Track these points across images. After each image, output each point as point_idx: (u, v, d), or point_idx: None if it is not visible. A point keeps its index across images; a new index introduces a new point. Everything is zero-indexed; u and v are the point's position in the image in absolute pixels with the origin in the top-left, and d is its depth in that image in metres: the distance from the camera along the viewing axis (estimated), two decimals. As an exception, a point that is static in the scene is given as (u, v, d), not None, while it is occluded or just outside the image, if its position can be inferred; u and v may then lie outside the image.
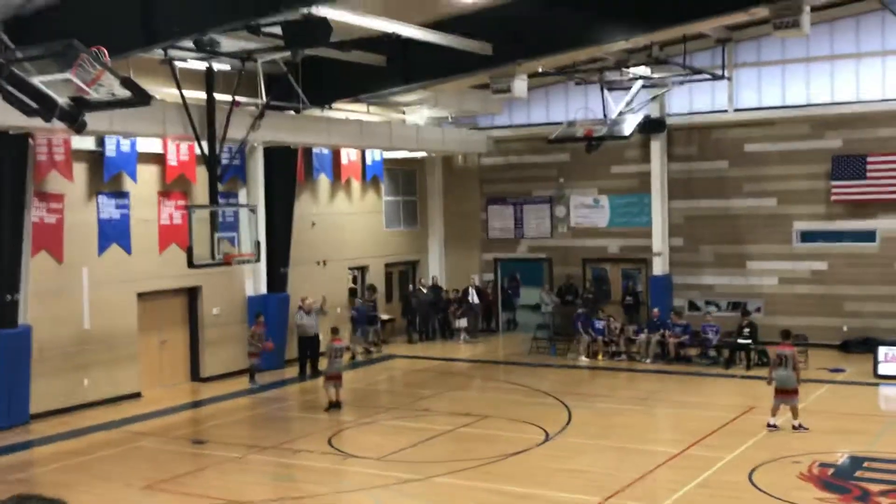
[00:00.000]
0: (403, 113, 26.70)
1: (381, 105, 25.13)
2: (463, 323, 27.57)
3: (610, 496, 12.80)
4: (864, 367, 21.26)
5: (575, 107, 26.05)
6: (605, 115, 22.68)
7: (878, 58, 24.16)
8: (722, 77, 23.50)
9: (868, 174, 24.02)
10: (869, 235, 24.46)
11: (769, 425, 16.19)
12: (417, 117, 26.91)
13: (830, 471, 13.86)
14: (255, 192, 22.82)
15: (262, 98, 19.67)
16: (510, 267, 29.67)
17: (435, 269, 29.73)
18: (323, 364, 20.83)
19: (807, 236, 25.19)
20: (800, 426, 16.14)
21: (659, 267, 26.66)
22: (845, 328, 24.44)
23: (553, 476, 13.92)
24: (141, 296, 20.75)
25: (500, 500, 12.73)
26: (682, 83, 23.83)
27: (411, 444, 15.98)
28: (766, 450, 14.97)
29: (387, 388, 21.81)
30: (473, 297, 28.01)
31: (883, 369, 20.70)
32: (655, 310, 24.63)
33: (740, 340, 22.52)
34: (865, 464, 14.19)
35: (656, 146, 26.54)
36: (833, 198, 24.53)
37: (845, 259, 24.73)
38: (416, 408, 18.93)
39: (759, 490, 12.96)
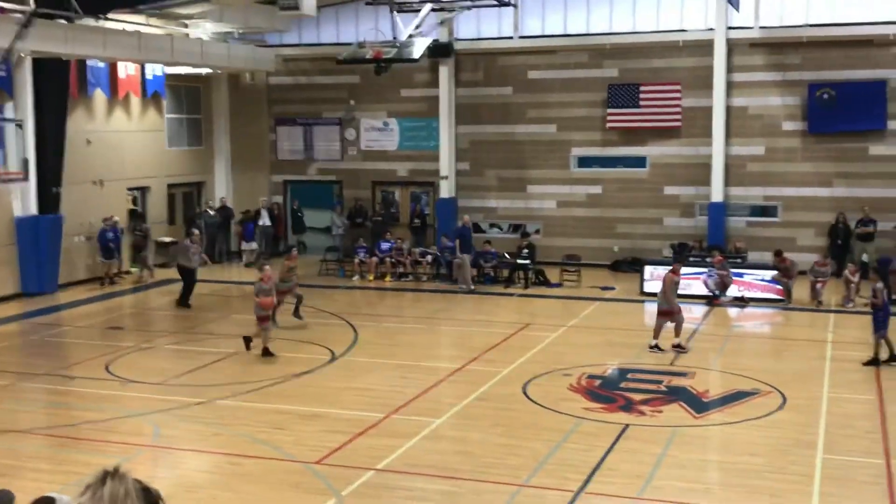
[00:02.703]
0: (186, 26, 25.61)
1: (162, 17, 23.99)
2: (253, 245, 27.15)
3: (393, 412, 13.15)
4: (631, 286, 22.72)
5: (365, 28, 25.87)
6: (394, 38, 22.63)
7: (652, -9, 25.41)
8: (507, 4, 23.94)
9: (641, 103, 25.36)
10: (640, 161, 25.93)
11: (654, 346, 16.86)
12: (201, 32, 25.87)
13: (598, 382, 14.81)
14: (23, 107, 21.29)
15: (29, 4, 18.31)
16: (313, 191, 29.40)
17: (222, 190, 29.00)
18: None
19: (583, 162, 26.40)
20: (678, 346, 16.76)
21: (446, 190, 27.22)
22: (616, 249, 25.97)
23: (338, 394, 14.13)
24: None
25: (283, 420, 12.80)
26: (469, 8, 24.09)
27: (194, 367, 15.75)
28: (540, 363, 15.81)
29: (169, 312, 21.26)
30: (265, 220, 27.58)
31: (648, 287, 22.18)
32: (444, 237, 25.17)
33: (519, 261, 23.49)
34: (630, 375, 15.27)
35: (444, 71, 26.84)
36: (608, 125, 25.77)
37: (618, 184, 26.14)
38: (199, 331, 18.62)
39: (532, 401, 13.70)
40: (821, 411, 13.19)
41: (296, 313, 18.80)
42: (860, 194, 24.04)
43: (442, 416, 13.04)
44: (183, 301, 21.06)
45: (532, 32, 26.49)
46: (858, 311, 20.03)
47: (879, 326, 15.62)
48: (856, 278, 20.82)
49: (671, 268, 17.71)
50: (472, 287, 22.90)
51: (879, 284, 16.06)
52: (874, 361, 15.55)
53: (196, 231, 22.39)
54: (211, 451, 11.84)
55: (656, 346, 16.72)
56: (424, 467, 11.03)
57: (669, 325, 16.93)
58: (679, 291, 21.66)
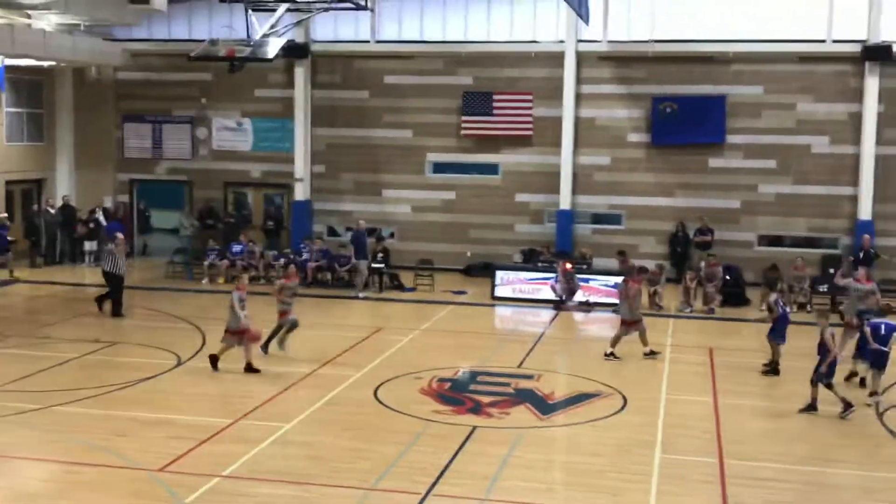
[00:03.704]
0: (29, 17, 24.46)
1: (3, 6, 22.83)
2: (93, 246, 26.13)
3: (241, 417, 12.94)
4: (483, 290, 23.09)
5: (218, 25, 25.45)
6: (248, 37, 22.32)
7: (506, 1, 25.90)
8: (365, 7, 23.94)
9: (494, 111, 25.83)
10: (492, 168, 26.42)
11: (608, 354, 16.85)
12: (45, 23, 24.77)
13: (448, 385, 14.98)
14: None
15: None
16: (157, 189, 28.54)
17: (64, 188, 27.81)
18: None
19: (438, 167, 26.70)
20: (650, 353, 16.85)
21: (301, 193, 27.00)
22: (469, 254, 26.35)
23: (184, 400, 13.80)
24: None
25: (126, 427, 12.40)
26: (326, 10, 23.95)
27: (30, 373, 15.03)
28: (392, 367, 15.86)
29: (3, 315, 20.24)
30: (101, 219, 26.59)
31: (499, 291, 22.62)
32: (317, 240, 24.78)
33: (374, 265, 23.51)
34: (479, 378, 15.51)
35: (300, 72, 26.64)
36: (463, 132, 26.13)
37: (471, 190, 26.54)
38: (36, 335, 17.81)
39: (382, 405, 13.74)
40: (659, 412, 13.74)
41: (280, 343, 16.66)
42: (699, 204, 25.17)
43: (291, 420, 12.91)
44: (115, 310, 19.72)
45: (389, 37, 26.61)
46: (696, 316, 21.05)
47: (777, 335, 15.92)
48: (693, 285, 21.82)
49: (632, 277, 17.69)
50: (361, 294, 22.65)
51: (773, 297, 16.64)
52: (773, 367, 15.95)
53: (120, 235, 21.10)
54: (48, 458, 11.34)
55: (612, 355, 16.80)
56: (272, 473, 10.89)
57: (626, 336, 17.01)
58: (526, 296, 22.36)
